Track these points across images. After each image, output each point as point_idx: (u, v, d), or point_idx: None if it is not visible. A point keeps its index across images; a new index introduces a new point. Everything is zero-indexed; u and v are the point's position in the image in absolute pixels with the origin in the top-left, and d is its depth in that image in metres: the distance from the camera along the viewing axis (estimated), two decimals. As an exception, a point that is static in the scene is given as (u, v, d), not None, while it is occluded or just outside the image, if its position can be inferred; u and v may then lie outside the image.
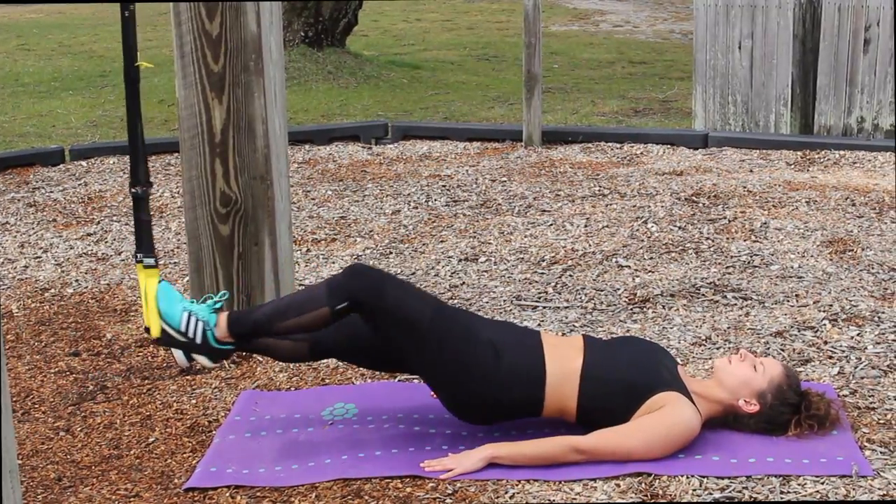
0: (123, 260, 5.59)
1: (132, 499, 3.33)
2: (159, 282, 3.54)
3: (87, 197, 6.81)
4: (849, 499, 3.16)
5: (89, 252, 5.78)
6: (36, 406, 4.02)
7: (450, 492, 3.27)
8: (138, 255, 3.73)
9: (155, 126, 9.08)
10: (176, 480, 3.43)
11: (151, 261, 3.56)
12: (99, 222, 6.29)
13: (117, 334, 4.64)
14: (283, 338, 3.57)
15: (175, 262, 5.49)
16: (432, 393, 3.64)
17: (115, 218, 6.33)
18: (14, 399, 3.92)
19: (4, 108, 10.84)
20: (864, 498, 3.16)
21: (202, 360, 3.55)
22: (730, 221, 5.92)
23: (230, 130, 4.32)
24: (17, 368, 4.33)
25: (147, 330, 3.62)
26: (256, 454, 3.55)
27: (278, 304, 3.69)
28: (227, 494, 3.32)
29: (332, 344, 3.66)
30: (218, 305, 3.54)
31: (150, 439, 3.73)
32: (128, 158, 3.87)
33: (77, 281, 5.35)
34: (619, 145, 7.88)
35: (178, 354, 3.62)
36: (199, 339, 3.47)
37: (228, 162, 4.35)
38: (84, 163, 7.70)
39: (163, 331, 3.50)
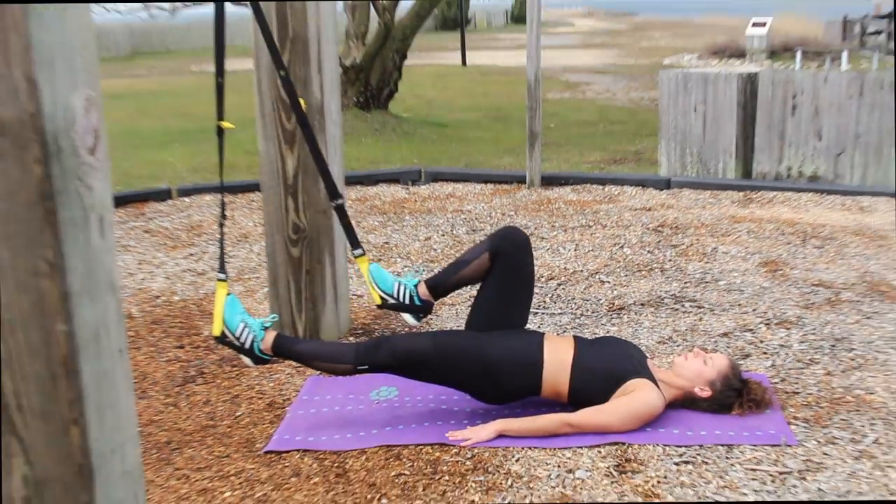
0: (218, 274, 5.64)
1: (224, 459, 3.37)
2: (227, 294, 3.57)
3: (189, 226, 6.86)
4: (779, 466, 3.17)
5: (190, 268, 5.83)
6: (151, 386, 4.07)
7: (469, 456, 3.31)
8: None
9: (241, 171, 9.14)
10: (258, 445, 3.47)
11: (223, 276, 3.59)
12: (198, 245, 6.34)
13: (211, 332, 4.69)
14: (327, 362, 3.64)
15: (257, 277, 5.53)
16: None
17: (210, 242, 6.38)
18: (135, 381, 3.96)
19: (126, 157, 10.92)
20: (792, 464, 3.17)
21: (246, 360, 3.60)
22: (687, 247, 5.93)
23: (300, 175, 4.36)
24: (137, 357, 4.38)
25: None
26: (319, 425, 3.59)
27: (316, 347, 3.74)
28: (297, 456, 3.37)
29: (376, 364, 3.63)
30: (268, 324, 3.59)
31: (238, 413, 3.77)
32: (219, 197, 3.90)
33: (182, 290, 5.40)
34: (601, 187, 7.90)
35: (244, 360, 3.66)
36: (247, 346, 3.52)
37: (298, 199, 4.39)
38: (187, 199, 7.76)
39: (222, 332, 3.54)
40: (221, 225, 3.72)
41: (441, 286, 3.77)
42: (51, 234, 1.85)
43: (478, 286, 3.79)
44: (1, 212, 1.84)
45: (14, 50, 1.77)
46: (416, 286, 3.73)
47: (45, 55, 1.80)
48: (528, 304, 3.77)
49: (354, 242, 3.87)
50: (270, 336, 3.58)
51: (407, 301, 3.71)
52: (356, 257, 3.85)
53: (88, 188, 1.91)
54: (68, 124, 1.85)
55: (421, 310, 3.77)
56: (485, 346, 3.49)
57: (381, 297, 3.72)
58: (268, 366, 4.16)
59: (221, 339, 3.58)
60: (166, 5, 13.37)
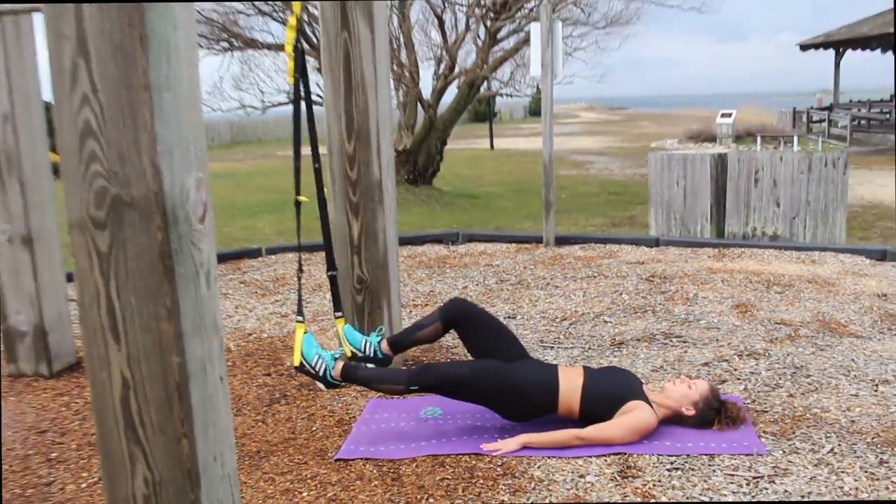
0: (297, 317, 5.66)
1: (302, 465, 3.36)
2: (304, 332, 3.63)
3: (275, 278, 6.90)
4: (751, 472, 3.11)
5: (276, 311, 5.85)
6: (244, 406, 4.07)
7: (499, 464, 3.28)
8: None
9: (316, 234, 9.18)
10: (329, 454, 3.45)
11: (300, 318, 3.66)
12: (282, 293, 6.37)
13: (294, 363, 4.69)
14: (383, 383, 3.67)
15: (328, 318, 5.54)
16: None
17: (292, 290, 6.41)
18: (231, 402, 3.96)
19: (226, 223, 11.05)
20: (763, 470, 3.11)
21: (321, 385, 3.68)
22: (673, 293, 5.88)
23: (363, 238, 4.38)
24: (233, 383, 4.38)
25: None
26: (379, 438, 3.57)
27: (375, 373, 3.70)
28: (361, 463, 3.34)
29: (425, 385, 3.64)
30: (337, 356, 3.66)
31: (313, 428, 3.76)
32: (298, 255, 3.94)
33: (269, 329, 5.42)
34: (603, 245, 7.86)
35: (319, 385, 3.72)
36: (321, 373, 3.60)
37: (361, 257, 4.41)
38: (273, 257, 7.81)
39: (301, 363, 3.61)
40: (299, 277, 3.77)
41: (399, 344, 3.83)
42: (169, 286, 1.86)
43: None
44: (131, 268, 1.86)
45: (144, 144, 1.80)
46: (379, 343, 3.81)
47: (166, 147, 1.83)
48: (510, 340, 3.74)
49: (337, 306, 4.01)
50: (339, 365, 3.61)
51: (371, 354, 3.78)
52: (336, 318, 3.97)
53: (198, 249, 1.92)
54: (183, 200, 1.87)
55: (381, 362, 3.81)
56: (512, 374, 3.49)
57: (352, 352, 3.79)
58: (337, 390, 4.16)
59: (300, 369, 3.62)
60: (257, 103, 13.57)
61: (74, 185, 1.87)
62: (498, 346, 3.67)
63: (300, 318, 3.64)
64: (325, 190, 3.93)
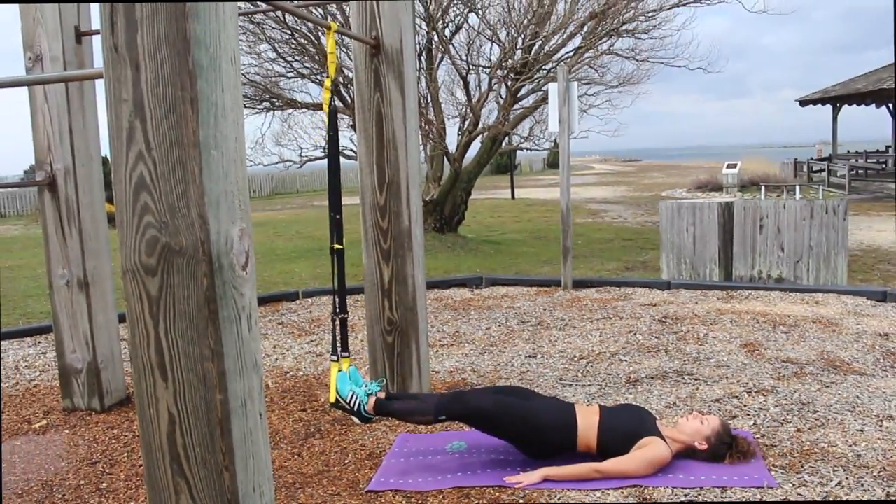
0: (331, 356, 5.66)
1: (335, 496, 3.32)
2: (339, 371, 3.63)
3: (311, 319, 6.92)
4: (764, 500, 3.04)
5: (312, 351, 5.84)
6: (281, 440, 4.04)
7: (522, 496, 3.23)
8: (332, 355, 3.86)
9: (349, 279, 9.19)
10: (361, 486, 3.41)
11: (335, 357, 3.67)
12: (317, 334, 6.37)
13: (328, 399, 4.65)
14: (413, 415, 3.64)
15: (361, 358, 5.52)
16: None
17: (326, 331, 6.41)
18: (269, 436, 3.95)
19: (266, 268, 11.11)
20: (770, 500, 3.04)
21: (356, 419, 3.66)
22: (685, 333, 5.81)
23: (393, 282, 4.39)
24: (271, 418, 4.37)
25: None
26: (407, 471, 3.53)
27: (405, 406, 3.67)
28: (391, 494, 3.30)
29: (449, 416, 3.64)
30: (370, 392, 3.65)
31: (346, 461, 3.73)
32: (333, 298, 3.93)
33: (305, 367, 5.41)
34: (618, 288, 7.81)
35: (354, 419, 3.70)
36: (356, 408, 3.60)
37: (392, 300, 4.41)
38: (310, 300, 7.84)
39: (336, 399, 3.62)
40: (334, 319, 3.77)
41: (384, 409, 3.66)
42: (213, 328, 1.87)
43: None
44: (178, 311, 1.87)
45: (192, 197, 1.83)
46: (366, 400, 3.67)
47: (212, 199, 1.85)
48: (511, 416, 3.52)
49: (335, 351, 3.77)
50: (372, 400, 3.61)
51: (355, 409, 3.65)
52: (332, 361, 3.80)
53: (241, 294, 1.93)
54: (228, 248, 1.89)
55: (364, 419, 3.69)
56: (533, 413, 3.45)
57: (336, 399, 3.67)
58: (368, 424, 4.14)
59: (335, 405, 3.64)
60: (295, 157, 13.73)
61: (128, 234, 1.90)
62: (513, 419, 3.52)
63: (334, 358, 3.65)
64: (336, 246, 3.87)
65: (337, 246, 3.78)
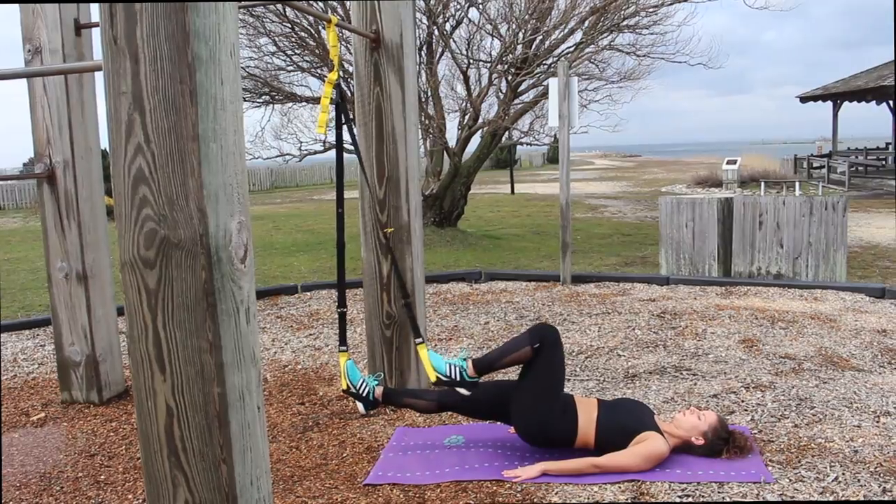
0: (330, 350, 5.65)
1: (333, 489, 3.33)
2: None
3: (310, 313, 6.92)
4: (759, 499, 3.05)
5: (311, 345, 5.85)
6: (279, 433, 4.05)
7: (519, 489, 3.23)
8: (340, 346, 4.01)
9: (348, 273, 9.20)
10: (358, 479, 3.42)
11: (344, 348, 3.76)
12: (316, 328, 6.38)
13: (326, 392, 4.67)
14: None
15: (360, 351, 5.53)
16: (510, 429, 3.66)
17: (325, 325, 6.42)
18: (267, 429, 3.96)
19: (265, 262, 11.10)
20: (770, 497, 3.05)
21: (361, 405, 3.79)
22: (683, 329, 5.81)
23: (392, 276, 4.39)
24: (269, 411, 4.38)
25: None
26: (405, 465, 3.53)
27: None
28: (388, 488, 3.30)
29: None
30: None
31: (344, 455, 3.73)
32: (334, 291, 3.96)
33: (303, 361, 5.41)
34: (616, 283, 7.82)
35: (359, 407, 3.82)
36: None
37: (390, 294, 4.41)
38: (309, 293, 7.83)
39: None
40: (340, 312, 3.87)
41: (392, 397, 3.85)
42: (211, 321, 1.87)
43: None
44: (177, 304, 1.87)
45: (191, 190, 1.83)
46: (374, 385, 3.91)
47: (211, 192, 1.85)
48: (562, 381, 3.57)
49: (343, 341, 4.09)
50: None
51: (363, 394, 3.90)
52: (341, 352, 4.06)
53: (239, 287, 1.94)
54: (226, 242, 1.89)
55: (368, 405, 3.92)
56: (539, 406, 3.46)
57: (347, 386, 3.93)
58: (365, 418, 4.15)
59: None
60: (295, 151, 13.71)
61: (127, 227, 1.90)
62: (555, 382, 3.53)
63: (343, 348, 3.78)
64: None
65: (390, 230, 3.88)
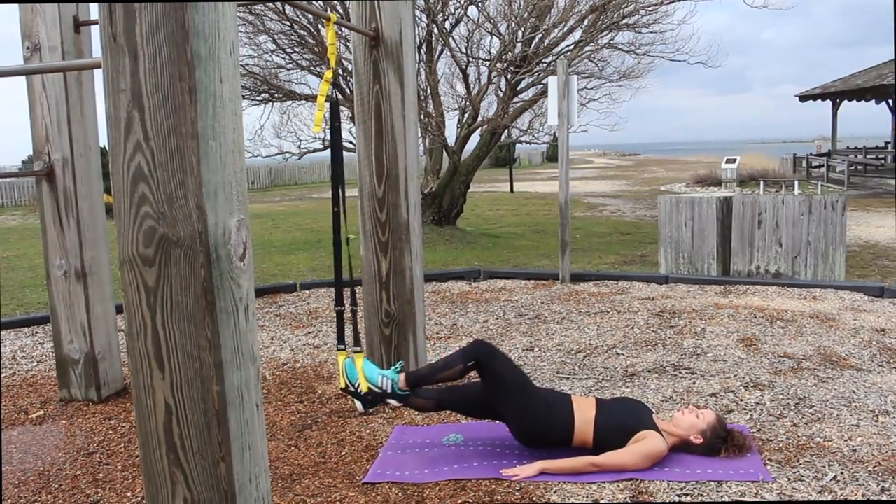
0: (329, 348, 5.65)
1: (332, 488, 3.33)
2: (345, 359, 3.69)
3: (309, 311, 6.91)
4: (758, 498, 3.06)
5: (309, 343, 5.85)
6: (278, 432, 4.05)
7: (518, 488, 3.23)
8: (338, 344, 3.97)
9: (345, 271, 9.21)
10: (357, 478, 3.42)
11: (342, 346, 3.74)
12: (315, 326, 6.37)
13: (324, 391, 4.67)
14: (417, 398, 3.69)
15: (359, 349, 5.52)
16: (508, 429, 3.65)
17: (324, 323, 6.42)
18: (266, 427, 3.96)
19: (264, 260, 11.10)
20: (769, 496, 3.05)
21: (358, 405, 3.73)
22: (682, 327, 5.82)
23: (391, 274, 4.39)
24: (268, 409, 4.37)
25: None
26: (404, 463, 3.53)
27: (433, 367, 3.70)
28: (387, 487, 3.30)
29: (449, 402, 3.73)
30: (401, 366, 3.78)
31: (343, 453, 3.73)
32: (332, 290, 3.96)
33: (302, 359, 5.41)
34: (615, 282, 7.82)
35: (358, 405, 3.78)
36: (389, 390, 3.69)
37: (390, 292, 4.41)
38: (307, 292, 7.83)
39: (346, 384, 3.78)
40: (338, 311, 3.84)
41: (416, 379, 3.68)
42: (210, 319, 1.87)
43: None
44: (175, 302, 1.87)
45: (190, 187, 1.83)
46: (397, 378, 3.71)
47: (210, 190, 1.85)
48: (521, 383, 3.54)
49: (341, 339, 4.02)
50: (402, 376, 3.67)
51: (389, 391, 3.70)
52: (338, 351, 3.99)
53: (238, 286, 1.93)
54: (226, 239, 1.89)
55: (400, 399, 3.72)
56: (535, 405, 3.46)
57: (369, 388, 3.74)
58: (364, 417, 4.15)
59: (345, 390, 3.81)
60: (294, 149, 13.71)
61: (126, 225, 1.90)
62: (505, 391, 3.53)
63: (341, 346, 3.75)
64: (350, 236, 3.96)
65: (353, 236, 3.81)
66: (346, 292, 4.12)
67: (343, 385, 3.81)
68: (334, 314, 3.87)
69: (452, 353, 3.69)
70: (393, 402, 3.70)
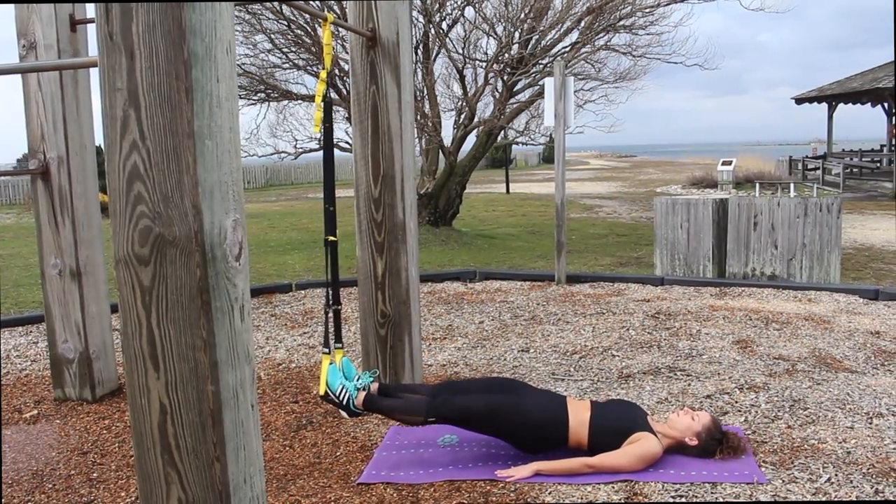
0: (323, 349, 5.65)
1: (326, 488, 3.33)
2: (330, 363, 3.63)
3: (304, 311, 6.91)
4: (752, 500, 3.06)
5: (304, 343, 5.84)
6: (272, 432, 4.05)
7: (513, 489, 3.23)
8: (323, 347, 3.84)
9: (343, 271, 9.20)
10: (352, 478, 3.42)
11: (327, 350, 3.67)
12: (310, 326, 6.37)
13: (320, 391, 4.67)
14: (405, 415, 3.63)
15: (354, 350, 5.52)
16: None
17: (319, 323, 6.41)
18: (261, 428, 3.95)
19: (259, 260, 11.08)
20: (763, 498, 3.05)
21: (343, 414, 3.65)
22: (678, 329, 5.82)
23: (387, 275, 4.39)
24: (263, 410, 4.37)
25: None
26: (399, 464, 3.54)
27: (395, 404, 3.63)
28: (382, 487, 3.31)
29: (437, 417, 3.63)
30: (360, 385, 3.65)
31: (337, 453, 3.73)
32: (327, 290, 3.94)
33: (297, 360, 5.41)
34: (611, 284, 7.83)
35: (343, 414, 3.70)
36: (344, 402, 3.59)
37: (385, 293, 4.41)
38: (303, 292, 7.83)
39: (326, 392, 3.61)
40: (325, 312, 3.78)
41: (373, 406, 3.62)
42: (205, 318, 1.87)
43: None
44: (171, 302, 1.87)
45: (186, 186, 1.82)
46: (355, 394, 3.62)
47: (206, 189, 1.85)
48: (497, 409, 3.48)
49: (326, 343, 3.71)
50: (362, 395, 3.61)
51: (344, 403, 3.60)
52: (324, 354, 3.74)
53: (234, 285, 1.93)
54: (221, 239, 1.88)
55: (352, 414, 3.65)
56: (526, 410, 3.45)
57: (326, 393, 3.62)
58: (359, 418, 4.14)
59: (325, 398, 3.63)
60: (290, 149, 13.68)
61: (121, 224, 1.89)
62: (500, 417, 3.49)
63: (326, 350, 3.66)
64: (330, 238, 3.84)
65: (331, 238, 3.77)
66: (333, 291, 4.07)
67: (322, 392, 3.63)
68: (325, 315, 3.81)
69: (419, 398, 3.63)
70: (344, 414, 3.63)
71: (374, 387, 3.65)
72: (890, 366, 4.80)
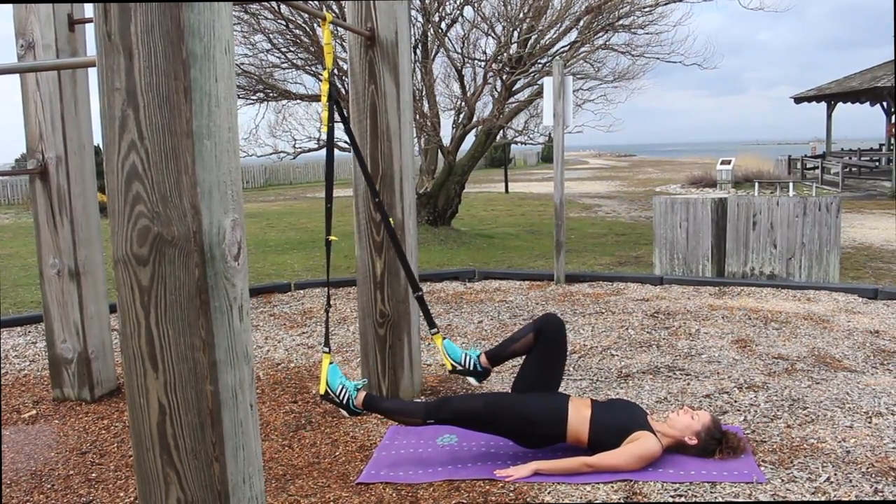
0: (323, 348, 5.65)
1: (325, 488, 3.33)
2: (330, 363, 3.64)
3: (303, 311, 6.91)
4: (752, 499, 3.06)
5: (303, 343, 5.84)
6: (272, 432, 4.04)
7: (512, 488, 3.23)
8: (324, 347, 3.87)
9: (342, 271, 9.22)
10: (351, 478, 3.42)
11: (327, 349, 3.68)
12: (309, 326, 6.37)
13: (319, 391, 4.67)
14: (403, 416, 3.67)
15: (352, 350, 5.52)
16: None
17: (318, 323, 6.41)
18: (260, 427, 3.95)
19: (258, 260, 11.07)
20: (762, 497, 3.06)
21: (344, 413, 3.68)
22: (677, 328, 5.83)
23: (385, 274, 4.39)
24: (262, 409, 4.37)
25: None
26: (398, 463, 3.54)
27: (395, 405, 3.73)
28: (381, 487, 3.30)
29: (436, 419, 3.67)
30: (359, 386, 3.68)
31: (336, 453, 3.73)
32: (326, 290, 3.94)
33: (296, 359, 5.41)
34: (610, 283, 7.83)
35: (343, 413, 3.71)
36: (344, 402, 3.62)
37: (384, 293, 4.41)
38: (301, 291, 7.83)
39: (326, 392, 3.63)
40: (326, 311, 3.80)
41: (497, 357, 3.88)
42: (204, 318, 1.87)
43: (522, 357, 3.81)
44: (170, 302, 1.87)
45: (185, 187, 1.82)
46: (478, 357, 3.90)
47: (205, 189, 1.85)
48: (561, 371, 3.73)
49: (431, 324, 4.03)
50: (361, 395, 3.64)
51: (471, 368, 3.88)
52: (433, 335, 4.00)
53: (233, 285, 1.93)
54: (220, 239, 1.89)
55: (482, 374, 3.91)
56: (524, 406, 3.47)
57: (452, 365, 3.91)
58: (359, 417, 4.14)
59: (325, 397, 3.65)
60: (289, 149, 13.68)
61: (120, 224, 1.89)
62: (554, 371, 3.68)
63: (326, 350, 3.67)
64: (332, 238, 3.86)
65: (333, 238, 3.77)
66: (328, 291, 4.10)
67: (322, 392, 3.65)
68: (325, 313, 3.82)
69: (418, 400, 3.70)
70: (343, 413, 3.68)
71: (483, 359, 3.87)
72: (889, 365, 4.81)
